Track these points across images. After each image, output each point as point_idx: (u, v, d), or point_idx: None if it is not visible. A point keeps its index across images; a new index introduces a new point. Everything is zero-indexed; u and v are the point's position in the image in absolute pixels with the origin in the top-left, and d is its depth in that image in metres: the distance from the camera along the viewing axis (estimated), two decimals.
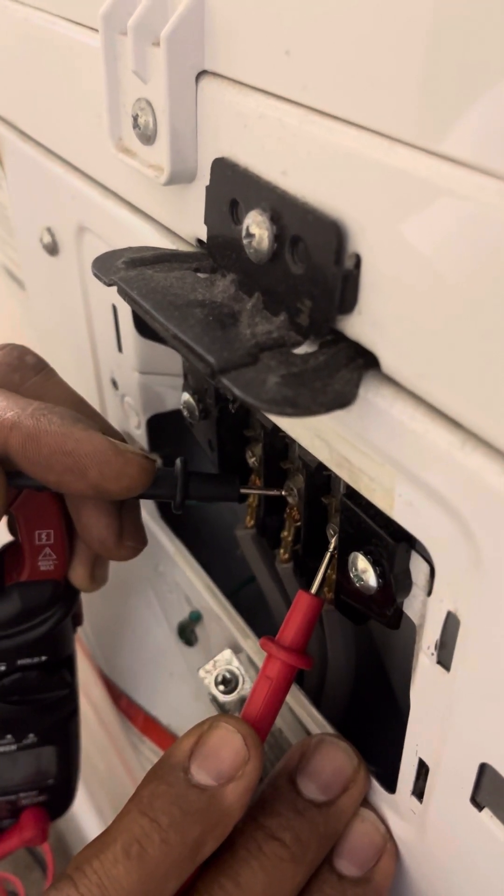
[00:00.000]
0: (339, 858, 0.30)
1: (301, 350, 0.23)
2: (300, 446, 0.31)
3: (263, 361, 0.22)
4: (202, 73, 0.25)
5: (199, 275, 0.26)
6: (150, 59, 0.26)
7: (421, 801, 0.27)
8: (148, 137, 0.27)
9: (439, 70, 0.17)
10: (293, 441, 0.32)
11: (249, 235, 0.23)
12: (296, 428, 0.27)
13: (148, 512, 0.43)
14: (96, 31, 0.28)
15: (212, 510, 0.45)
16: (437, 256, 0.19)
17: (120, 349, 0.38)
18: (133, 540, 0.34)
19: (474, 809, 0.25)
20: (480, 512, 0.20)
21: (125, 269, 0.26)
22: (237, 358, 0.21)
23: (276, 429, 0.32)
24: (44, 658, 0.37)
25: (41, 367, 0.33)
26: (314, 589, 0.31)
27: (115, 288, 0.25)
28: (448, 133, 0.18)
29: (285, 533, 0.35)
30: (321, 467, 0.30)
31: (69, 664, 0.39)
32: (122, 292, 0.25)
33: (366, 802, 0.31)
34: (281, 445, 0.33)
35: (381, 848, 0.30)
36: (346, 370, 0.22)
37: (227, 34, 0.24)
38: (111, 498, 0.30)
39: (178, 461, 0.33)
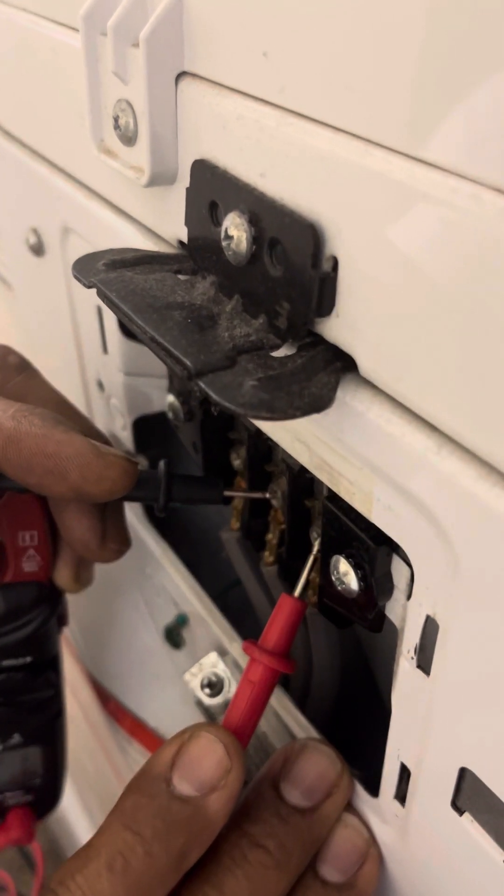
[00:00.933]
0: (323, 864, 0.29)
1: (279, 353, 0.22)
2: (283, 449, 0.31)
3: (241, 364, 0.22)
4: (182, 75, 0.25)
5: (179, 277, 0.26)
6: (130, 60, 0.25)
7: (403, 805, 0.27)
8: (129, 139, 0.27)
9: (416, 75, 0.17)
10: (277, 444, 0.32)
11: (228, 237, 0.23)
12: (276, 431, 0.27)
13: (134, 514, 0.43)
14: (77, 31, 0.27)
15: (198, 512, 0.45)
16: (414, 259, 0.19)
17: (105, 350, 0.38)
18: (116, 542, 0.34)
19: (455, 814, 0.24)
20: (457, 516, 0.20)
21: (105, 270, 0.25)
22: (214, 361, 0.21)
23: (260, 431, 0.32)
24: (29, 659, 0.37)
25: (24, 367, 0.33)
26: (297, 592, 0.31)
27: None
28: (425, 137, 0.18)
29: (270, 536, 0.34)
30: (304, 470, 0.30)
31: (54, 665, 0.39)
32: (101, 294, 0.24)
33: (349, 807, 0.31)
34: (265, 448, 0.33)
35: (364, 853, 0.30)
36: (323, 373, 0.22)
37: (205, 35, 0.24)
38: (92, 500, 0.30)
39: (161, 463, 0.33)
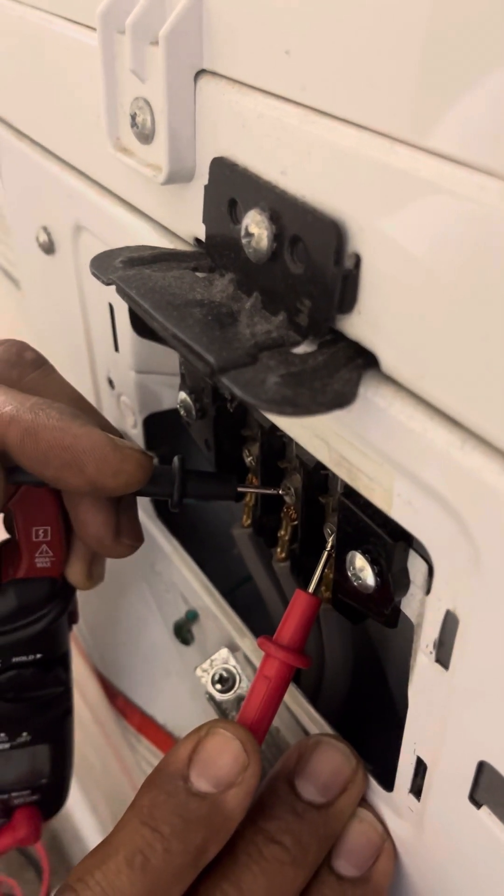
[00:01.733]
0: (338, 859, 0.30)
1: (300, 350, 0.23)
2: (298, 445, 0.31)
3: (263, 361, 0.22)
4: (201, 73, 0.25)
5: (197, 274, 0.26)
6: (149, 59, 0.26)
7: (419, 800, 0.28)
8: (146, 136, 0.27)
9: (439, 69, 0.18)
10: (291, 440, 0.32)
11: (248, 235, 0.23)
12: (294, 427, 0.27)
13: (145, 511, 0.43)
14: (94, 29, 0.28)
15: (208, 509, 0.45)
16: (437, 256, 0.19)
17: (116, 348, 0.38)
18: (130, 537, 0.34)
19: (473, 807, 0.25)
20: (479, 511, 0.20)
21: (123, 268, 0.26)
22: (236, 357, 0.21)
23: (274, 428, 0.32)
24: (39, 656, 0.37)
25: (40, 364, 0.33)
26: (312, 588, 0.31)
27: (111, 287, 0.25)
28: (448, 133, 0.18)
29: (282, 532, 0.35)
30: (319, 466, 0.30)
31: (64, 662, 0.39)
32: (120, 291, 0.25)
33: (363, 801, 0.31)
34: (278, 445, 0.33)
35: (379, 847, 0.30)
36: (345, 370, 0.22)
37: (226, 34, 0.24)
38: (108, 494, 0.30)
39: (175, 459, 0.33)
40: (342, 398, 0.21)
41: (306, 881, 0.28)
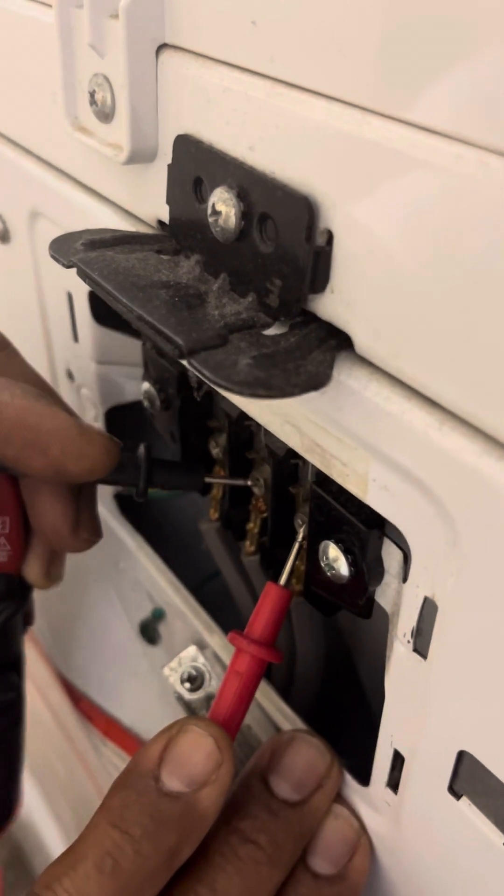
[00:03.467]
0: (313, 857, 0.29)
1: (271, 331, 0.22)
2: (267, 434, 0.31)
3: (233, 343, 0.21)
4: (163, 47, 0.24)
5: (161, 256, 0.25)
6: (108, 33, 0.25)
7: (396, 793, 0.27)
8: (106, 115, 0.26)
9: (412, 35, 0.17)
10: (259, 430, 0.32)
11: (215, 213, 0.22)
12: (264, 414, 0.26)
13: (107, 507, 0.42)
14: (49, 6, 0.27)
15: (174, 504, 0.44)
16: (412, 229, 0.18)
17: (76, 339, 0.37)
18: (88, 531, 0.33)
19: (452, 798, 0.24)
20: (459, 493, 0.19)
21: (84, 250, 0.25)
22: (206, 339, 0.21)
23: (241, 418, 0.31)
24: None
25: (3, 346, 0.32)
26: (283, 580, 0.30)
27: (70, 276, 0.24)
28: (425, 102, 0.17)
29: (251, 525, 0.34)
30: (289, 456, 0.30)
31: (17, 667, 0.37)
32: (81, 274, 0.23)
33: (338, 797, 0.30)
34: (246, 435, 0.32)
35: (354, 844, 0.29)
36: (318, 351, 0.21)
37: (188, 5, 0.23)
38: (71, 480, 0.29)
39: (140, 447, 0.32)
40: (317, 379, 0.20)
41: (282, 880, 0.28)
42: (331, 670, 0.37)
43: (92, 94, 0.26)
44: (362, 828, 0.29)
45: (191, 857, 0.27)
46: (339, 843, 0.29)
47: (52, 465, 0.28)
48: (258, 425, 0.31)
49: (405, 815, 0.27)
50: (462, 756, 0.23)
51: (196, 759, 0.27)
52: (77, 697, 0.49)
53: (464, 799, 0.24)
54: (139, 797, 0.26)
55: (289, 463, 0.30)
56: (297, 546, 0.30)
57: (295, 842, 0.28)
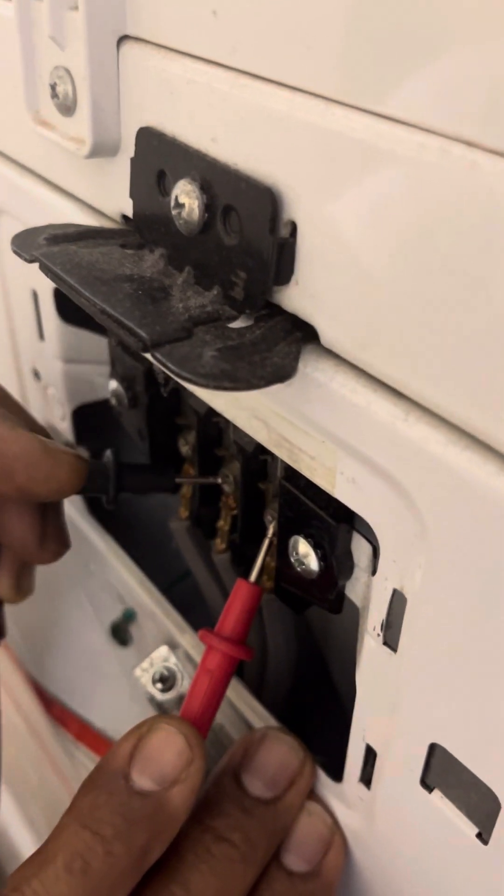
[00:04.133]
0: (287, 854, 0.29)
1: (236, 324, 0.22)
2: (235, 431, 0.30)
3: (198, 335, 0.21)
4: (124, 38, 0.24)
5: (125, 250, 0.25)
6: (68, 24, 0.24)
7: (369, 788, 0.27)
8: (67, 108, 0.26)
9: (376, 24, 0.17)
10: (227, 426, 0.32)
11: (179, 206, 0.22)
12: (231, 409, 0.26)
13: (76, 509, 0.41)
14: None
15: (143, 503, 0.44)
16: (376, 220, 0.18)
17: (42, 337, 0.36)
18: (56, 543, 0.32)
19: (424, 791, 0.24)
20: (425, 484, 0.19)
21: (47, 245, 0.24)
22: (171, 332, 0.20)
23: (210, 414, 0.31)
24: None
25: None
26: (253, 577, 0.30)
27: (35, 274, 0.24)
28: (388, 92, 0.17)
29: (221, 522, 0.34)
30: (257, 451, 0.30)
31: None
32: (44, 268, 0.23)
33: (312, 794, 0.30)
34: (215, 431, 0.32)
35: (328, 841, 0.29)
36: (283, 344, 0.21)
37: None
38: (38, 500, 0.29)
39: (107, 453, 0.31)
40: (283, 371, 0.20)
41: (256, 878, 0.27)
42: (303, 667, 0.37)
43: (53, 87, 0.26)
44: (336, 824, 0.29)
45: (164, 856, 0.26)
46: (313, 841, 0.29)
47: (19, 489, 0.27)
48: (227, 422, 0.31)
49: (379, 810, 0.27)
50: (434, 749, 0.23)
51: (167, 758, 0.26)
52: (49, 702, 0.48)
53: (436, 792, 0.24)
54: (110, 797, 0.26)
55: (258, 459, 0.30)
56: (266, 542, 0.30)
57: (269, 839, 0.28)
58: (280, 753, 0.29)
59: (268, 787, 0.29)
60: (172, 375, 0.19)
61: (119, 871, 0.25)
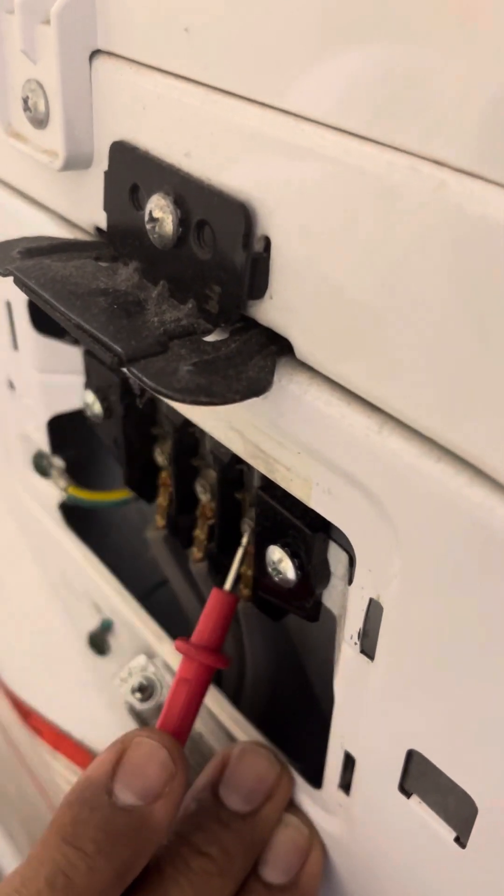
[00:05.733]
0: (265, 867, 0.29)
1: (212, 338, 0.22)
2: (211, 440, 0.31)
3: (173, 350, 0.21)
4: (96, 53, 0.24)
5: (100, 263, 0.25)
6: (40, 38, 0.24)
7: (348, 794, 0.27)
8: (40, 121, 0.26)
9: (339, 43, 0.17)
10: (203, 436, 0.32)
11: (153, 220, 0.22)
12: (208, 420, 0.26)
13: (52, 518, 0.41)
14: None
15: (120, 512, 0.44)
16: (349, 236, 0.18)
17: (16, 347, 0.36)
18: None
19: (403, 797, 0.24)
20: (399, 496, 0.20)
21: (21, 258, 0.24)
22: (146, 346, 0.20)
23: (186, 424, 0.31)
24: None
25: None
26: (228, 585, 0.30)
27: (8, 285, 0.24)
28: (356, 109, 0.17)
29: (198, 532, 0.34)
30: (234, 461, 0.30)
31: None
32: (18, 282, 0.23)
33: (290, 803, 0.30)
34: (191, 441, 0.32)
35: (305, 851, 0.29)
36: (258, 357, 0.21)
37: (121, 11, 0.23)
38: None
39: None
40: (258, 385, 0.20)
41: (235, 890, 0.28)
42: (282, 675, 0.37)
43: (25, 100, 0.26)
44: (314, 834, 0.29)
45: (143, 868, 0.26)
46: (291, 852, 0.29)
47: None
48: (203, 431, 0.31)
49: (358, 816, 0.27)
50: (411, 755, 0.24)
51: (150, 772, 0.27)
52: (26, 712, 0.48)
53: (414, 797, 0.24)
54: (92, 812, 0.26)
55: (234, 469, 0.30)
56: (241, 551, 0.30)
57: (246, 852, 0.28)
58: (257, 767, 0.30)
59: (245, 801, 0.29)
60: (149, 390, 0.19)
61: (101, 887, 0.25)
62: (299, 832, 0.29)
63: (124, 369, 0.20)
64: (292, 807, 0.30)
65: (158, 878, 0.26)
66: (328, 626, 0.27)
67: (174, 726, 0.29)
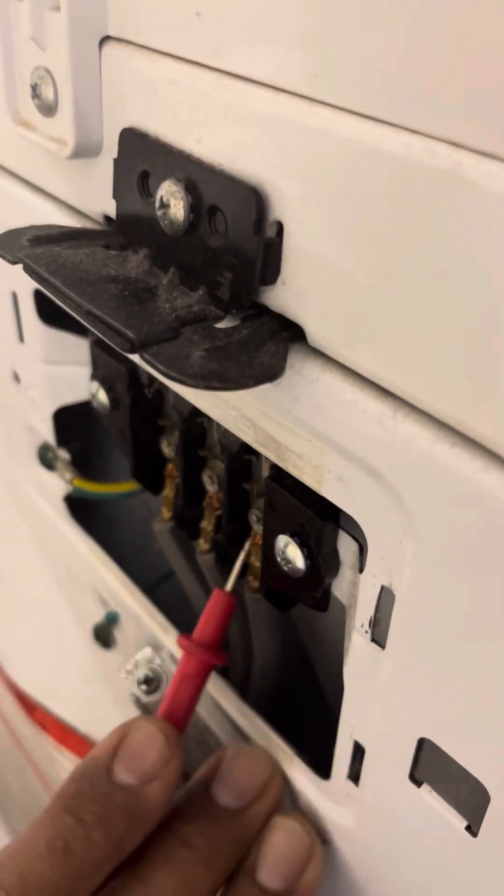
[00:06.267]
0: (263, 870, 0.29)
1: (223, 324, 0.22)
2: (219, 431, 0.31)
3: (185, 336, 0.21)
4: (106, 39, 0.24)
5: (110, 251, 0.25)
6: (49, 25, 0.24)
7: (357, 785, 0.27)
8: (49, 109, 0.26)
9: (355, 20, 0.17)
10: (211, 426, 0.32)
11: (163, 206, 0.22)
12: (217, 409, 0.26)
13: (56, 511, 0.41)
14: None
15: (126, 504, 0.44)
16: (362, 220, 0.18)
17: (21, 339, 0.36)
18: None
19: (413, 786, 0.24)
20: (414, 481, 0.20)
21: (30, 246, 0.24)
22: (158, 332, 0.20)
23: (193, 415, 0.31)
24: None
25: None
26: (229, 586, 0.31)
27: (14, 275, 0.24)
28: (374, 91, 0.17)
29: (205, 523, 0.34)
30: (242, 451, 0.30)
31: None
32: (28, 269, 0.23)
33: (295, 810, 0.30)
34: (198, 432, 0.32)
35: (306, 860, 0.29)
36: (271, 343, 0.21)
37: None
38: None
39: None
40: (271, 371, 0.20)
41: (218, 883, 0.28)
42: (289, 667, 0.37)
43: (34, 88, 0.26)
44: (315, 843, 0.29)
45: (130, 855, 0.27)
46: (291, 859, 0.29)
47: None
48: (210, 422, 0.31)
49: (367, 807, 0.27)
50: (422, 743, 0.23)
51: (147, 754, 0.28)
52: (31, 707, 0.48)
53: (425, 786, 0.24)
54: (93, 787, 0.27)
55: (242, 459, 0.30)
56: (244, 552, 0.31)
57: (232, 847, 0.29)
58: (250, 765, 0.30)
59: (235, 798, 0.29)
60: (161, 376, 0.19)
61: (97, 858, 0.26)
62: (300, 840, 0.29)
63: (136, 355, 0.20)
64: (296, 811, 0.30)
65: (144, 863, 0.27)
66: (336, 617, 0.27)
67: (173, 716, 0.30)
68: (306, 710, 0.37)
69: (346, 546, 0.25)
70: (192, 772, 0.33)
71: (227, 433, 0.29)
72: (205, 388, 0.19)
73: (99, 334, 0.21)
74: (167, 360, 0.20)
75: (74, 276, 0.22)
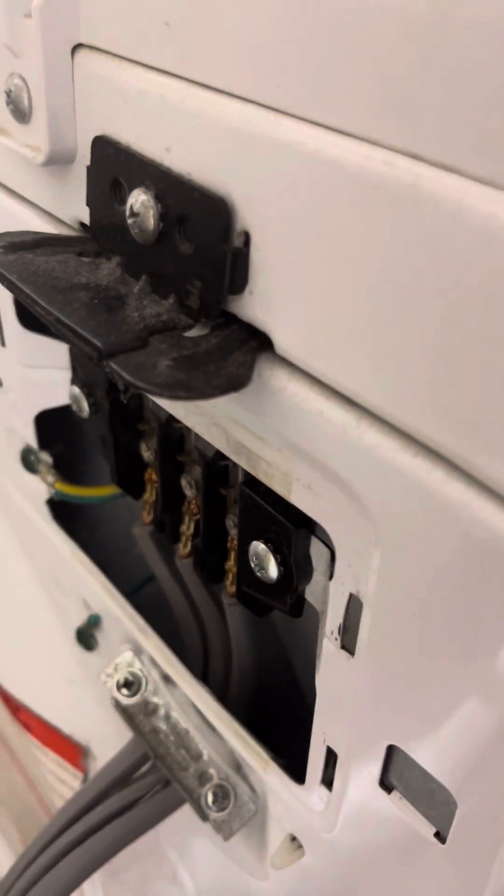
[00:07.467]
0: None
1: (192, 333, 0.22)
2: (196, 436, 0.31)
3: (153, 345, 0.21)
4: (78, 47, 0.24)
5: (82, 259, 0.25)
6: (22, 32, 0.24)
7: (330, 790, 0.27)
8: (23, 115, 0.26)
9: (325, 35, 0.17)
10: (189, 432, 0.32)
11: (134, 215, 0.22)
12: (190, 416, 0.26)
13: (40, 514, 0.41)
14: None
15: (107, 508, 0.44)
16: (327, 231, 0.18)
17: (3, 343, 0.36)
18: None
19: (383, 792, 0.24)
20: (377, 489, 0.20)
21: (3, 253, 0.24)
22: (125, 341, 0.20)
23: (171, 420, 0.31)
24: None
25: None
26: None
27: None
28: (337, 103, 0.17)
29: (184, 527, 0.34)
30: (218, 457, 0.30)
31: None
32: (0, 277, 0.23)
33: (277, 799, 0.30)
34: (176, 437, 0.32)
35: None
36: (239, 352, 0.21)
37: (102, 4, 0.23)
38: None
39: None
40: (237, 381, 0.20)
41: None
42: (268, 671, 0.37)
43: (8, 94, 0.26)
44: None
45: None
46: None
47: None
48: (188, 427, 0.31)
49: (340, 812, 0.27)
50: (391, 750, 0.24)
51: None
52: (15, 708, 0.48)
53: (395, 792, 0.24)
54: None
55: (219, 465, 0.30)
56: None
57: None
58: None
59: None
60: (127, 385, 0.19)
61: None
62: None
63: (103, 364, 0.20)
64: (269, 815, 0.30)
65: None
66: (314, 623, 0.27)
67: None
68: (285, 714, 0.37)
69: (318, 553, 0.25)
70: (172, 776, 0.33)
71: (203, 439, 0.29)
72: (170, 398, 0.19)
73: (68, 342, 0.21)
74: (133, 369, 0.20)
75: (45, 284, 0.22)
